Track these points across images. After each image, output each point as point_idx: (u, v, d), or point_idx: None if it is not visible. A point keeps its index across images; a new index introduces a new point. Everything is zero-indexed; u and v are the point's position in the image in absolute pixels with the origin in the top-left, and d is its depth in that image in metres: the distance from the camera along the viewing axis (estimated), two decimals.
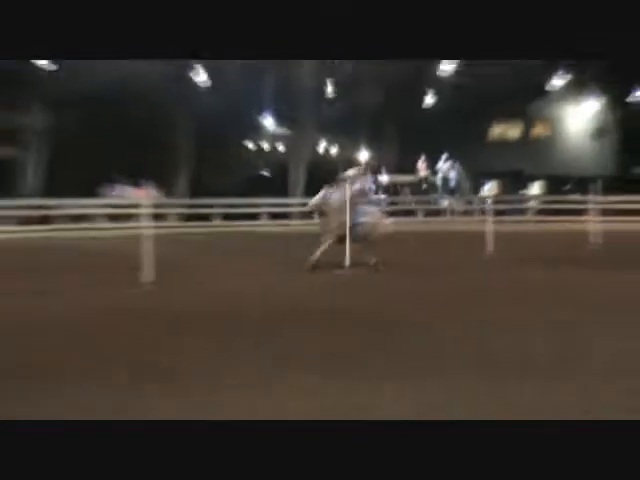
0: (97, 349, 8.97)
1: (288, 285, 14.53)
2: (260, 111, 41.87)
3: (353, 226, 16.43)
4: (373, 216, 16.98)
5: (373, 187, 17.95)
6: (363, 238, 16.48)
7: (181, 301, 12.71)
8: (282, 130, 44.70)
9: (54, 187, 32.92)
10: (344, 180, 16.79)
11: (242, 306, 12.00)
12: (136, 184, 34.88)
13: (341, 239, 16.35)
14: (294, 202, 37.49)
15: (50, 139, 34.96)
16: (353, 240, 16.35)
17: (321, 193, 16.81)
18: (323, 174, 40.57)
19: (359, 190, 16.89)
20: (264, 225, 33.83)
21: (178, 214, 34.61)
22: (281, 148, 46.13)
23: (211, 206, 33.69)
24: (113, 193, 35.11)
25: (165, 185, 36.16)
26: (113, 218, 32.66)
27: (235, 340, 9.30)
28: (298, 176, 40.91)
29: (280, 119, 43.48)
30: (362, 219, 16.64)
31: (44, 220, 31.71)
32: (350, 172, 17.19)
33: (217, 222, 33.63)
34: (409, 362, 7.86)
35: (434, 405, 6.33)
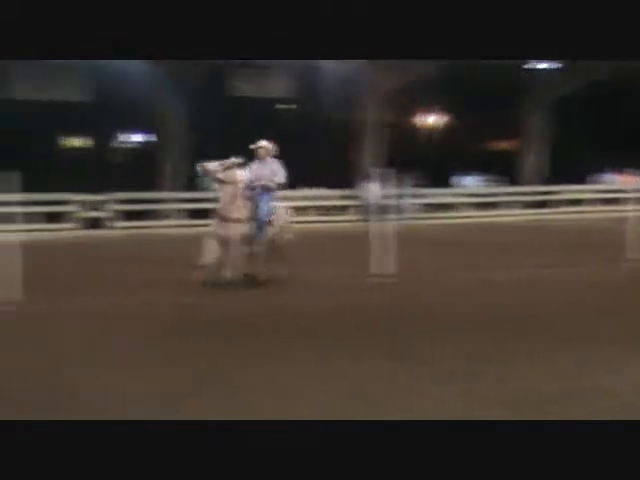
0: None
1: None
2: None
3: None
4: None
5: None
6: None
7: None
8: None
9: (553, 175, 34.97)
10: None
11: None
12: (622, 171, 35.25)
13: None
14: None
15: (550, 134, 36.62)
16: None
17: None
18: None
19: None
20: None
21: None
22: None
23: None
24: (605, 180, 36.75)
25: None
26: (605, 202, 34.31)
27: None
28: None
29: None
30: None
31: (543, 204, 33.86)
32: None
33: None
34: None
35: None
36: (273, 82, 32.58)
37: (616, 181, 36.22)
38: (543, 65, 34.16)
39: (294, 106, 37.91)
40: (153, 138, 35.72)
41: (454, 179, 37.23)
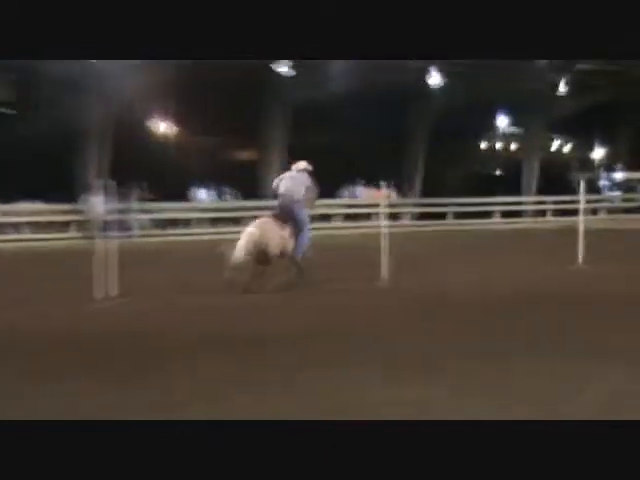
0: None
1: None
2: (493, 110, 41.03)
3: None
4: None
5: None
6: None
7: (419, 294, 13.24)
8: (514, 129, 43.85)
9: None
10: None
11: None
12: (374, 186, 33.75)
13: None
14: (527, 200, 37.19)
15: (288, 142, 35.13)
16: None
17: None
18: (557, 172, 40.47)
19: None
20: (496, 223, 33.81)
21: (412, 213, 35.05)
22: (513, 147, 45.14)
23: (444, 205, 33.96)
24: (351, 194, 35.56)
25: (403, 185, 36.36)
26: (350, 218, 33.31)
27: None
28: (531, 175, 40.13)
29: (512, 118, 42.55)
30: None
31: None
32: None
33: (450, 220, 33.82)
34: None
35: None
36: None
37: (365, 195, 35.03)
38: (285, 69, 32.14)
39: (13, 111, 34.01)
40: None
41: (189, 192, 34.99)
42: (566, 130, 44.44)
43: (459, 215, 33.92)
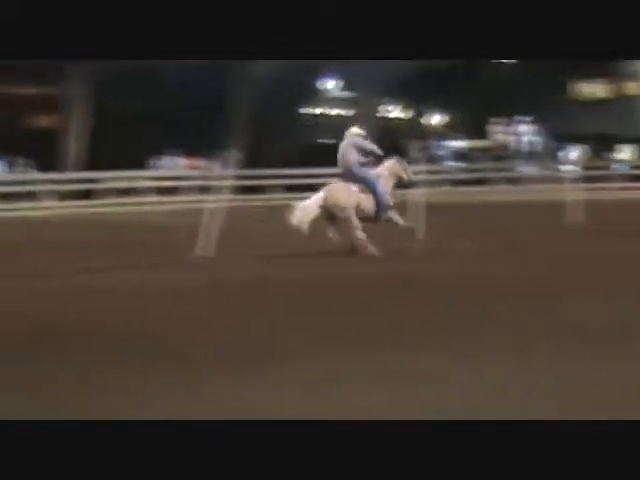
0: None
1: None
2: (320, 73, 40.59)
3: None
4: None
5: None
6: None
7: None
8: (345, 93, 43.22)
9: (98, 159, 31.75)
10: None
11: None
12: (188, 154, 33.77)
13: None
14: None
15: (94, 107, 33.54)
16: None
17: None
18: (393, 140, 39.36)
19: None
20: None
21: (232, 186, 32.70)
22: (344, 113, 43.87)
23: (267, 177, 31.72)
24: (161, 164, 33.97)
25: (220, 154, 34.27)
26: (161, 191, 31.48)
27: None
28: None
29: (342, 81, 42.13)
30: None
31: (86, 194, 30.78)
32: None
33: (275, 195, 31.10)
34: None
35: None
36: None
37: (180, 166, 34.39)
38: None
39: None
40: None
41: None
42: (400, 94, 43.78)
43: (284, 189, 31.34)
